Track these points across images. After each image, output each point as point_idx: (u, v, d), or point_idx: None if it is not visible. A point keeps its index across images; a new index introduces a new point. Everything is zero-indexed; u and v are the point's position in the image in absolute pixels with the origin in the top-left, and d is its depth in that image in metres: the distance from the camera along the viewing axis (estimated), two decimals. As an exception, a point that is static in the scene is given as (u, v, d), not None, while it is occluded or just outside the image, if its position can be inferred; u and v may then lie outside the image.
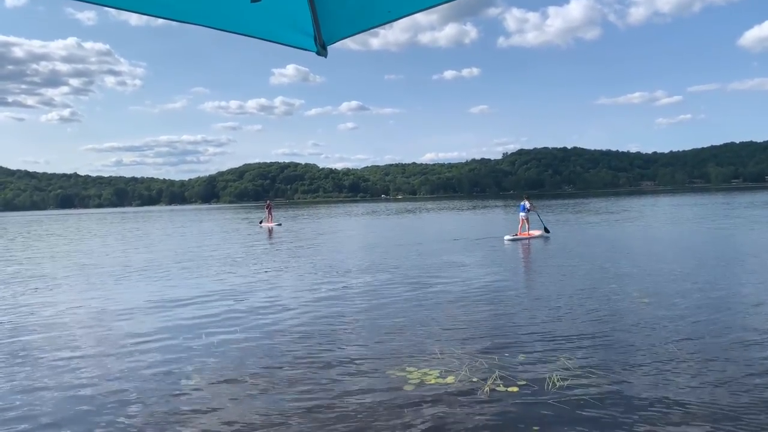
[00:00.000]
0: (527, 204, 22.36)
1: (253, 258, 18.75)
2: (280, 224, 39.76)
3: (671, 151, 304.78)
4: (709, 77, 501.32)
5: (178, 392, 5.97)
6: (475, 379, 5.94)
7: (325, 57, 2.09)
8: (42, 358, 7.45)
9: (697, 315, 8.49)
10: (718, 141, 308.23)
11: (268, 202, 44.43)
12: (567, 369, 6.15)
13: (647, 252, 16.69)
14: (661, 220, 31.50)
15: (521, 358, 6.65)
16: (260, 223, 40.40)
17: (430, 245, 21.02)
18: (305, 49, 2.06)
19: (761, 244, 17.72)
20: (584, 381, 5.79)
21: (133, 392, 6.00)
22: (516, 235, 22.28)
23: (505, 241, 21.29)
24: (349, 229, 35.06)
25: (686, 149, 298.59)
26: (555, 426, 4.83)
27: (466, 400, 5.43)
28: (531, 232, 22.42)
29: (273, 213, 41.83)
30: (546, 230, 22.68)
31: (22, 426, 5.23)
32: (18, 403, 5.80)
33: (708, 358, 6.43)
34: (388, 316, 9.17)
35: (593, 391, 5.53)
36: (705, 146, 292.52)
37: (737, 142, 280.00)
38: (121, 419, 5.30)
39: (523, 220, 22.61)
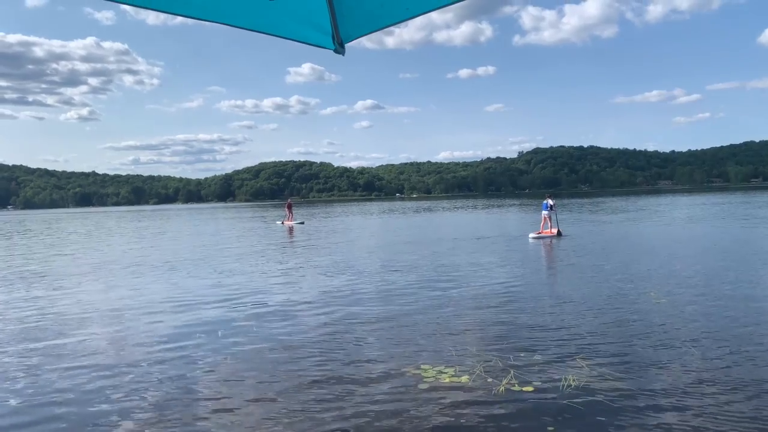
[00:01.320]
0: (550, 202, 22.85)
1: (273, 256, 18.85)
2: (302, 223, 39.56)
3: (689, 150, 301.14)
4: (729, 75, 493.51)
5: (193, 390, 6.03)
6: (490, 379, 5.91)
7: (343, 55, 2.09)
8: (56, 358, 7.56)
9: (716, 317, 8.38)
10: (738, 140, 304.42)
11: (288, 200, 44.30)
12: (583, 369, 6.10)
13: (666, 252, 16.49)
14: (679, 220, 31.10)
15: (537, 358, 6.61)
16: (283, 222, 39.68)
17: (448, 244, 20.98)
18: (323, 47, 2.06)
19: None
20: (600, 381, 5.74)
21: (147, 393, 6.07)
22: (539, 233, 22.64)
23: (530, 239, 21.66)
24: (368, 228, 35.05)
25: (705, 148, 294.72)
26: (570, 426, 4.79)
27: (481, 399, 5.41)
28: (553, 230, 22.65)
29: (293, 211, 41.60)
30: (558, 232, 22.38)
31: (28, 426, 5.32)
32: (28, 402, 5.90)
33: (726, 361, 6.34)
34: (405, 315, 9.17)
35: (609, 391, 5.48)
36: (724, 145, 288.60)
37: (757, 140, 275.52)
38: (135, 422, 5.37)
39: (545, 218, 23.00)
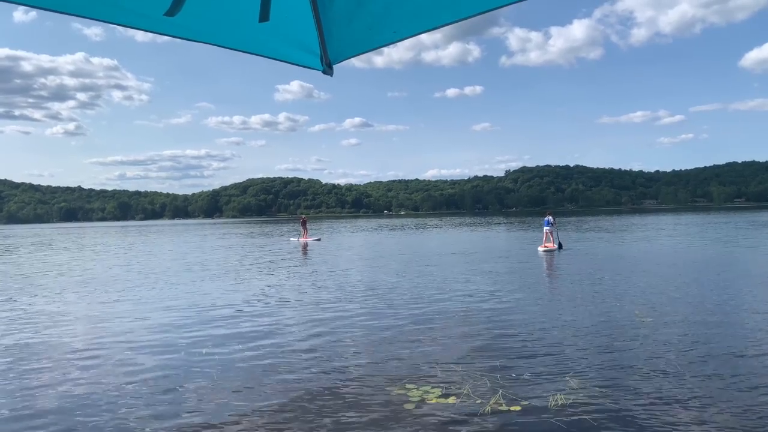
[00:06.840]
0: (551, 219, 24.92)
1: (277, 272, 18.73)
2: (319, 239, 39.07)
3: (674, 170, 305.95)
4: (711, 97, 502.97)
5: (177, 412, 5.94)
6: (478, 400, 5.88)
7: (331, 75, 2.11)
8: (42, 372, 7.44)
9: (701, 335, 8.41)
10: (721, 160, 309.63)
11: (303, 217, 43.20)
12: (571, 388, 6.09)
13: (651, 270, 16.59)
14: (663, 239, 31.40)
15: (526, 376, 6.59)
16: (299, 239, 38.63)
17: (438, 259, 20.98)
18: (312, 68, 2.08)
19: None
20: (588, 400, 5.73)
21: (131, 411, 5.97)
22: (544, 246, 24.41)
23: (539, 251, 23.69)
24: (381, 244, 34.53)
25: (689, 168, 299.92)
26: (558, 447, 4.78)
27: (467, 419, 5.38)
28: (554, 244, 24.47)
29: (308, 228, 40.51)
30: (560, 246, 24.43)
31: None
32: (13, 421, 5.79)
33: (712, 381, 6.36)
34: (392, 334, 9.11)
35: (597, 410, 5.47)
36: (708, 165, 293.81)
37: (739, 161, 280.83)
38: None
39: (547, 233, 24.80)
